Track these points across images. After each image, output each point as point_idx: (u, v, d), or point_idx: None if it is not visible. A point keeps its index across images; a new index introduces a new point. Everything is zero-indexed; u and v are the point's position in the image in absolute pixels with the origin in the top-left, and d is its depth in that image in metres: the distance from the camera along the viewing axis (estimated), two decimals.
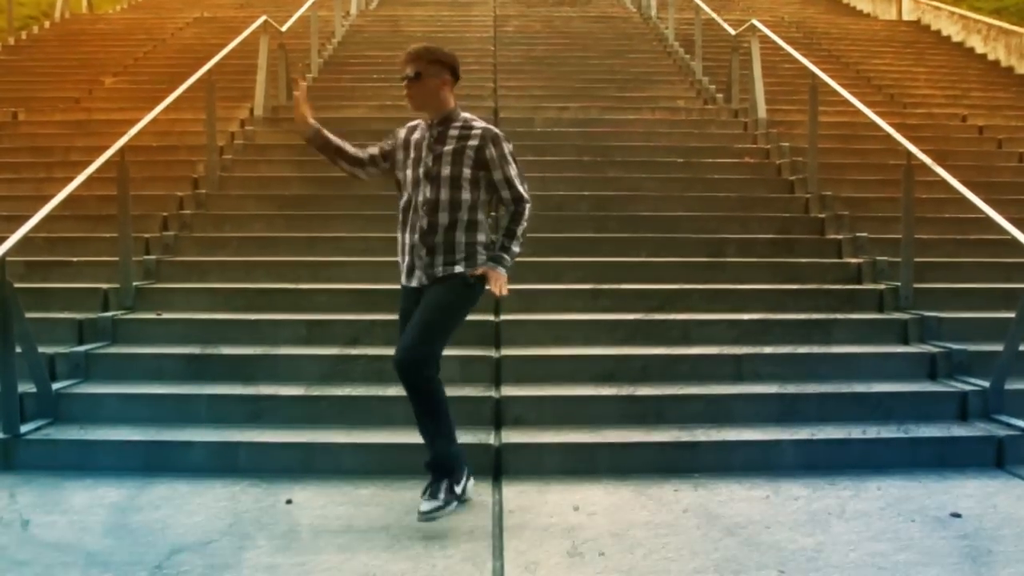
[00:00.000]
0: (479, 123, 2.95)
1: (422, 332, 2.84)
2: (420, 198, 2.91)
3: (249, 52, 7.04)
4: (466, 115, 3.00)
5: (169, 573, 2.54)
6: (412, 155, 2.96)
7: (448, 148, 2.90)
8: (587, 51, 9.30)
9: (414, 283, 2.95)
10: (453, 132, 2.93)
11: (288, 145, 6.69)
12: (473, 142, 2.90)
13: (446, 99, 2.95)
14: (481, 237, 2.95)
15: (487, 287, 2.93)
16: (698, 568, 2.58)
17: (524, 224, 2.96)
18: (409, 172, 2.95)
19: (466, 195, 2.90)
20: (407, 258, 2.96)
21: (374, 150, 3.08)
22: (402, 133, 3.04)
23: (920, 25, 11.67)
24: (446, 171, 2.89)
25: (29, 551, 2.70)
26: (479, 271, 2.91)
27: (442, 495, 2.85)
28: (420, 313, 2.87)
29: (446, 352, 3.10)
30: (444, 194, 2.89)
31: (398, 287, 3.08)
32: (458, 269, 2.91)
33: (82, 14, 11.50)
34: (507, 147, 2.95)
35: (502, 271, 2.92)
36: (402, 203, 3.00)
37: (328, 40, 9.30)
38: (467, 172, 2.89)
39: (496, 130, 2.97)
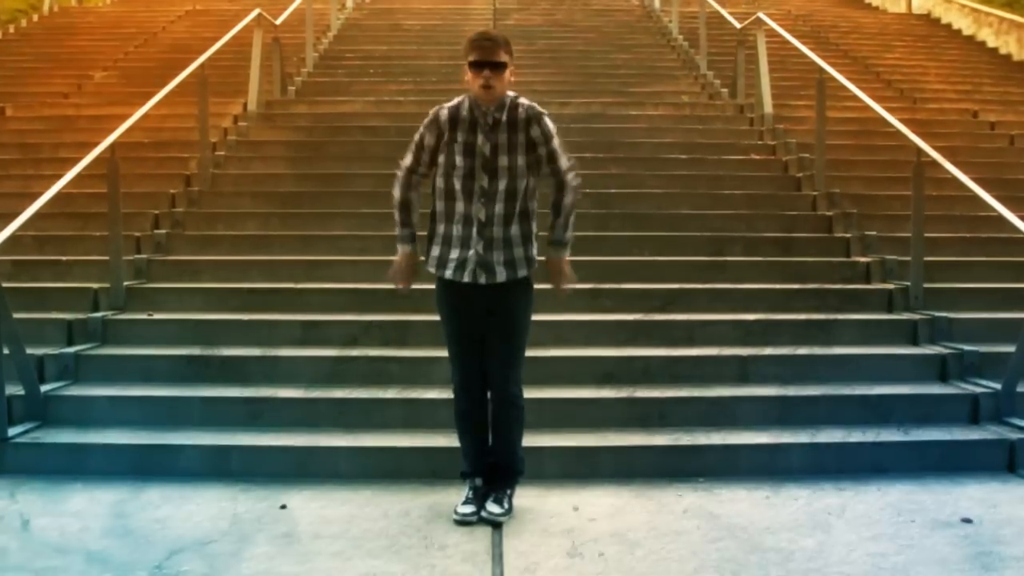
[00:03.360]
0: (522, 102, 2.92)
1: (514, 360, 2.96)
2: (476, 188, 2.86)
3: (242, 46, 6.98)
4: (510, 94, 2.93)
5: None
6: (461, 140, 2.87)
7: (504, 137, 2.86)
8: (589, 45, 9.22)
9: (466, 279, 2.88)
10: (506, 117, 2.88)
11: (282, 142, 6.63)
12: (522, 124, 2.88)
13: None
14: (533, 227, 2.96)
15: (555, 285, 2.99)
16: (698, 569, 2.59)
17: (570, 196, 2.94)
18: (459, 159, 2.87)
19: (522, 183, 2.89)
20: (457, 251, 2.88)
21: (419, 169, 2.96)
22: (444, 114, 2.91)
23: (930, 18, 11.58)
24: (503, 161, 2.86)
25: (22, 556, 2.66)
26: (551, 263, 2.95)
27: (507, 503, 2.97)
28: (505, 338, 2.93)
29: (445, 354, 3.08)
30: (502, 184, 2.86)
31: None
32: (522, 273, 2.92)
33: (71, 7, 11.45)
34: (549, 123, 2.93)
35: (566, 260, 2.96)
36: (446, 189, 2.89)
37: (324, 34, 9.24)
38: (521, 160, 2.87)
39: (538, 108, 2.94)
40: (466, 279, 2.87)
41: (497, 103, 2.87)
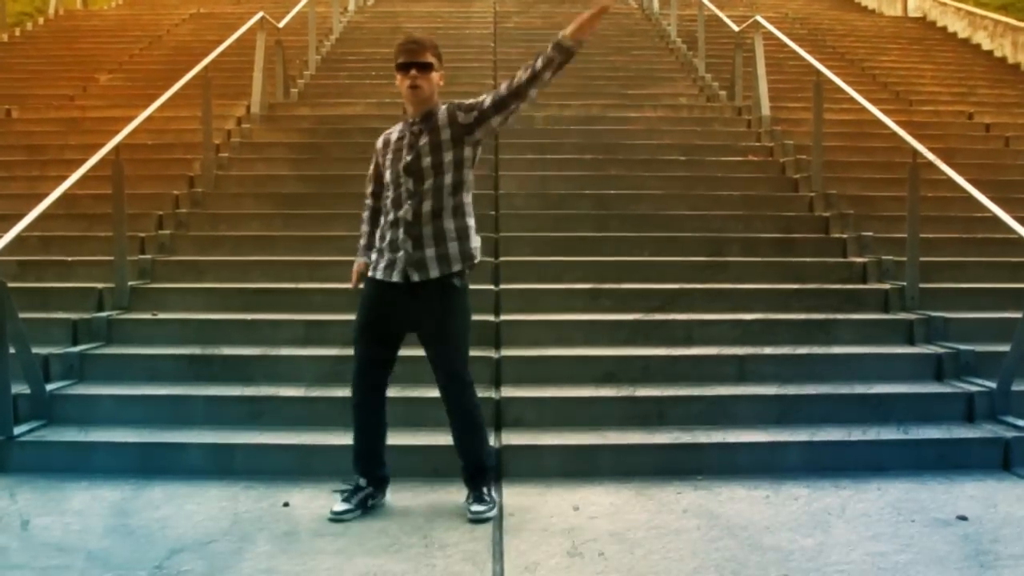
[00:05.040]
0: (440, 106, 2.97)
1: (454, 367, 2.96)
2: (403, 192, 2.93)
3: (246, 49, 7.00)
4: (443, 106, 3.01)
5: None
6: (391, 155, 3.00)
7: (425, 140, 2.93)
8: (588, 48, 9.13)
9: (395, 278, 2.92)
10: (429, 125, 2.95)
11: (285, 143, 6.65)
12: (443, 122, 2.92)
13: (437, 95, 2.99)
14: (470, 221, 2.98)
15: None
16: (698, 568, 2.58)
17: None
18: (388, 173, 2.99)
19: (449, 178, 2.92)
20: (387, 255, 2.95)
21: (371, 198, 3.15)
22: (380, 140, 3.10)
23: (925, 21, 11.61)
24: (427, 162, 2.91)
25: (24, 554, 2.67)
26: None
27: (487, 498, 2.99)
28: (440, 341, 2.96)
29: None
30: (428, 183, 2.91)
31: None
32: (456, 268, 2.93)
33: (76, 10, 11.48)
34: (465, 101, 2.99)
35: None
36: (383, 201, 3.03)
37: (326, 36, 9.26)
38: (448, 156, 2.92)
39: (451, 102, 2.99)
40: (395, 278, 2.92)
41: (423, 112, 2.94)
